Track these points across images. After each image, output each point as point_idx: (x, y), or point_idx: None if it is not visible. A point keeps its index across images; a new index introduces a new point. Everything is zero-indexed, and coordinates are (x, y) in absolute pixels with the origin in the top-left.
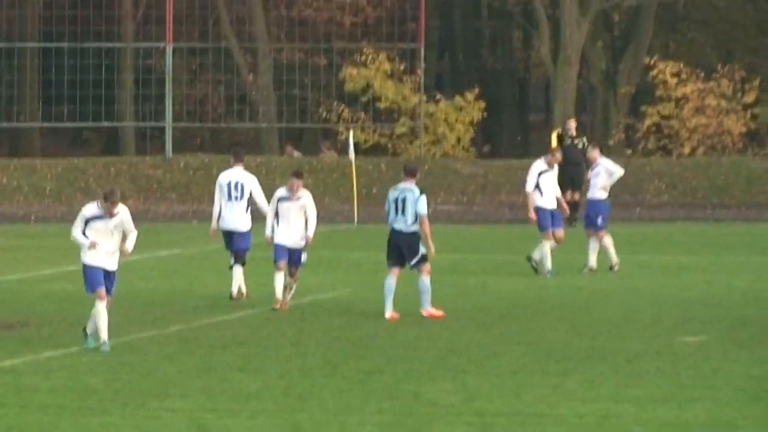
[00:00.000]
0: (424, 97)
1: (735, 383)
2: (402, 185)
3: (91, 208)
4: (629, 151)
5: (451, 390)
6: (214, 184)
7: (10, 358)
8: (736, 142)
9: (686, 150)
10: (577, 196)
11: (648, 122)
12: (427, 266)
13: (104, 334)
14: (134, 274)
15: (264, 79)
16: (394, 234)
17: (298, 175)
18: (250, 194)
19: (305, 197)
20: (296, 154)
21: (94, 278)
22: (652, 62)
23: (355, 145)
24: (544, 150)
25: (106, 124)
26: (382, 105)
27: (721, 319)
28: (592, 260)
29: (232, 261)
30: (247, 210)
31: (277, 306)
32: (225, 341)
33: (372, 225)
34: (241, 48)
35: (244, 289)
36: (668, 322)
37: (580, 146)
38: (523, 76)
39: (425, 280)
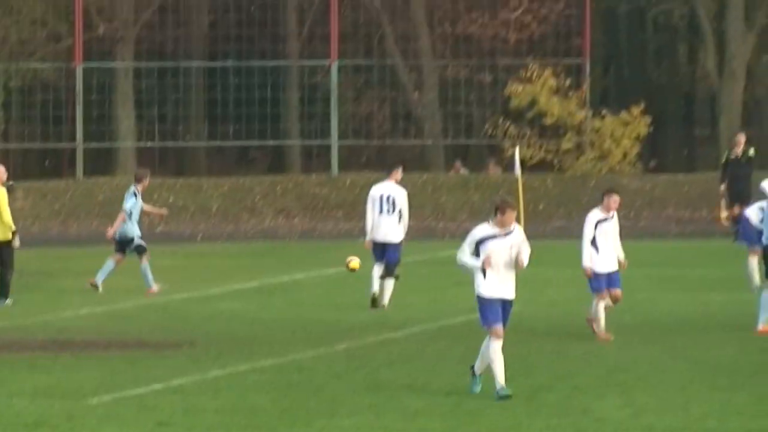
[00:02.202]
0: (590, 113)
1: None
2: None
3: (482, 229)
4: None
5: (619, 405)
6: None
7: (178, 377)
8: None
9: None
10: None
11: None
12: None
13: (502, 378)
14: (300, 292)
15: (429, 96)
16: None
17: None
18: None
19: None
20: (463, 170)
21: (490, 312)
22: None
23: (521, 161)
24: (710, 164)
25: (271, 142)
26: (547, 121)
27: None
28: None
29: (381, 273)
30: (399, 222)
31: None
32: (392, 358)
33: (540, 241)
34: (406, 65)
35: (386, 302)
36: None
37: (750, 153)
38: (689, 90)
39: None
